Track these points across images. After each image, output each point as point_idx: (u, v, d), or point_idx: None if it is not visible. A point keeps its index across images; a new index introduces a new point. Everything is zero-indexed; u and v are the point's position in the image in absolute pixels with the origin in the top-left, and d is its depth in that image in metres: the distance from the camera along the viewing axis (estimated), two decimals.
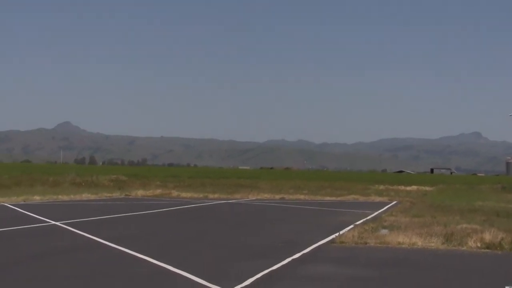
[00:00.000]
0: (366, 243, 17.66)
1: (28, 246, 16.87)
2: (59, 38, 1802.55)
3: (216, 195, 46.12)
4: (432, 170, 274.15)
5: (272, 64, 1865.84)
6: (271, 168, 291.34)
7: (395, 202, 41.66)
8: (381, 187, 66.72)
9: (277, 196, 46.03)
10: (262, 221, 27.20)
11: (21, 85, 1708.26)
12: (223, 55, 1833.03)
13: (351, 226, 22.76)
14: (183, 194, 46.68)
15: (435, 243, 17.52)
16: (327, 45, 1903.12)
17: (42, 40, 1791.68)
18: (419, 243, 17.51)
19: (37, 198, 37.17)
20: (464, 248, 16.96)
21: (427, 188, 67.49)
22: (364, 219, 26.36)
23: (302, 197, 46.33)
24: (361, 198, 46.03)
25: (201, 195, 45.71)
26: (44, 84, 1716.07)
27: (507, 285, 11.59)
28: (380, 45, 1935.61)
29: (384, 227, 21.87)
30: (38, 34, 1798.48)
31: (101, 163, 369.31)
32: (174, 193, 48.14)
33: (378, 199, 45.87)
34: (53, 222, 22.98)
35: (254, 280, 11.91)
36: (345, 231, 20.51)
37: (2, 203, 33.13)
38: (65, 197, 39.35)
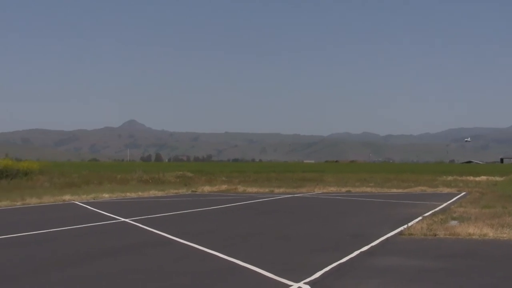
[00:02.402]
0: (435, 235, 17.44)
1: (100, 242, 17.23)
2: (124, 38, 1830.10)
3: (281, 189, 46.10)
4: (502, 160, 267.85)
5: (334, 57, 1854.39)
6: (336, 161, 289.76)
7: (464, 193, 40.89)
8: (449, 178, 65.37)
9: (343, 189, 45.73)
10: (329, 214, 27.11)
11: (88, 85, 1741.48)
12: (285, 49, 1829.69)
13: (420, 218, 22.49)
14: (249, 189, 46.78)
15: (507, 234, 17.18)
16: (387, 35, 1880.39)
17: (109, 41, 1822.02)
18: (490, 234, 17.19)
19: (106, 196, 37.80)
20: None
21: (497, 178, 65.83)
22: (432, 211, 25.98)
23: (368, 189, 45.91)
24: (429, 190, 45.32)
25: (266, 190, 45.74)
26: (109, 84, 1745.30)
27: None
28: (444, 30, 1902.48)
29: (454, 219, 21.56)
30: (104, 34, 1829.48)
31: (166, 160, 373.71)
32: (240, 188, 48.27)
33: (446, 190, 45.08)
34: (123, 219, 23.38)
35: (323, 273, 11.90)
36: (414, 223, 20.28)
37: (72, 201, 33.85)
38: (133, 194, 39.87)
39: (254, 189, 46.30)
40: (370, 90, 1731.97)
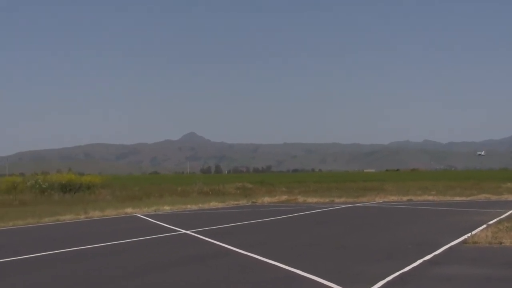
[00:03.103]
0: (501, 243, 17.10)
1: (162, 254, 17.45)
2: (182, 51, 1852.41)
3: (342, 199, 45.86)
4: None
5: (392, 62, 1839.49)
6: (397, 170, 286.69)
7: None
8: None
9: (404, 198, 45.21)
10: (390, 223, 26.85)
11: (147, 99, 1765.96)
12: (339, 56, 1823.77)
13: (484, 226, 22.10)
14: (309, 199, 46.65)
15: None
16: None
17: (167, 54, 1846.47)
18: None
19: (167, 208, 38.18)
20: None
21: None
22: (497, 218, 25.48)
23: (430, 198, 45.25)
24: (493, 197, 44.46)
25: (327, 200, 45.55)
26: (169, 97, 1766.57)
27: None
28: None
29: None
30: (163, 47, 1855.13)
31: (226, 172, 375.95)
32: (300, 198, 48.17)
33: (511, 197, 44.17)
34: (184, 231, 23.60)
35: (385, 283, 11.82)
36: (478, 231, 19.94)
37: (134, 214, 34.35)
38: (193, 206, 40.17)
39: (315, 199, 46.15)
40: (431, 97, 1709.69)
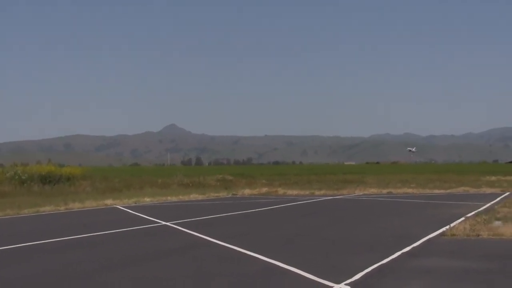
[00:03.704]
0: (478, 235, 17.25)
1: (142, 246, 17.42)
2: (162, 43, 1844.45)
3: (322, 192, 46.00)
4: None
5: (372, 56, 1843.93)
6: (377, 162, 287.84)
7: (508, 193, 40.31)
8: (493, 178, 64.42)
9: (384, 191, 45.43)
10: (370, 215, 26.95)
11: (128, 91, 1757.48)
12: (323, 49, 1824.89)
13: (462, 219, 22.28)
14: (290, 192, 46.77)
15: None
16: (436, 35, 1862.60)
17: (147, 45, 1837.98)
18: None
19: (147, 200, 38.14)
20: None
21: None
22: (475, 211, 25.71)
23: (410, 190, 45.56)
24: (472, 190, 44.79)
25: (307, 192, 45.68)
26: (149, 89, 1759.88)
27: None
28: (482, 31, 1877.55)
29: (498, 219, 21.30)
30: (143, 39, 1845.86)
31: (207, 164, 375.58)
32: (281, 190, 48.29)
33: (489, 190, 44.47)
34: (164, 223, 23.58)
35: (364, 274, 11.89)
36: (456, 224, 20.08)
37: (114, 205, 34.29)
38: (174, 198, 40.19)
39: (295, 192, 46.28)
40: (410, 90, 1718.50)
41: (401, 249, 15.04)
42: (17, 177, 54.60)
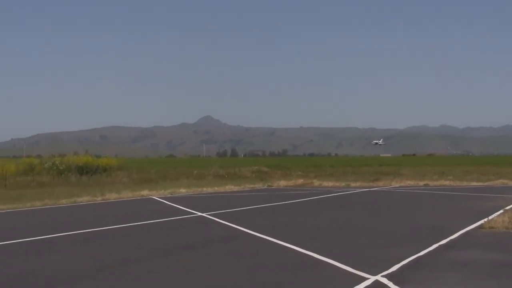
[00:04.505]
0: None
1: (178, 236, 17.58)
2: (198, 34, 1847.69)
3: (358, 183, 45.81)
4: None
5: (409, 48, 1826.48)
6: (413, 155, 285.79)
7: None
8: None
9: (421, 183, 45.08)
10: (407, 207, 26.81)
11: (164, 82, 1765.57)
12: (357, 41, 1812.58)
13: (501, 211, 22.02)
14: (325, 183, 46.69)
15: None
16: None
17: (184, 37, 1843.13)
18: None
19: (183, 191, 38.36)
20: None
21: None
22: None
23: (446, 183, 45.13)
24: (510, 183, 44.21)
25: (343, 184, 45.57)
26: (185, 80, 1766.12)
27: None
28: None
29: None
30: (181, 30, 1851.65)
31: (242, 155, 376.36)
32: (316, 182, 48.22)
33: None
34: (200, 214, 23.70)
35: (401, 266, 11.83)
36: (495, 216, 19.86)
37: (150, 196, 34.56)
38: (209, 189, 40.34)
39: (330, 183, 46.20)
40: (447, 82, 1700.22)
41: (438, 242, 14.93)
42: (55, 167, 55.42)
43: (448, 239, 15.52)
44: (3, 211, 26.61)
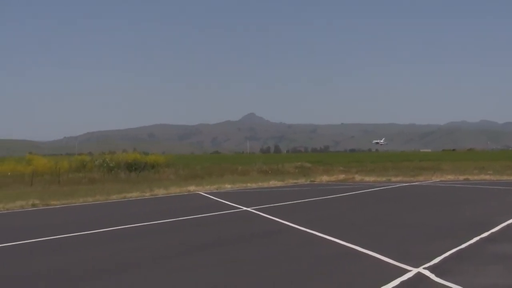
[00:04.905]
0: None
1: (225, 230, 17.68)
2: (243, 34, 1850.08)
3: (399, 178, 45.50)
4: None
5: (448, 44, 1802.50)
6: (453, 150, 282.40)
7: None
8: None
9: (461, 177, 44.55)
10: (447, 201, 26.51)
11: (209, 81, 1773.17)
12: (396, 39, 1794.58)
13: None
14: (366, 178, 46.42)
15: None
16: None
17: (226, 36, 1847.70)
18: None
19: (228, 186, 38.51)
20: None
21: None
22: None
23: (487, 177, 44.50)
24: None
25: (384, 179, 45.27)
26: (229, 79, 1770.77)
27: None
28: None
29: None
30: (224, 32, 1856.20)
31: (285, 152, 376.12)
32: (357, 177, 47.97)
33: None
34: (245, 208, 23.79)
35: (443, 259, 11.78)
36: None
37: (196, 192, 34.79)
38: (253, 185, 40.41)
39: (372, 178, 45.91)
40: (487, 77, 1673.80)
41: (479, 235, 14.79)
42: (105, 164, 56.22)
43: (489, 232, 15.36)
44: (58, 206, 27.09)
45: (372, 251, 12.78)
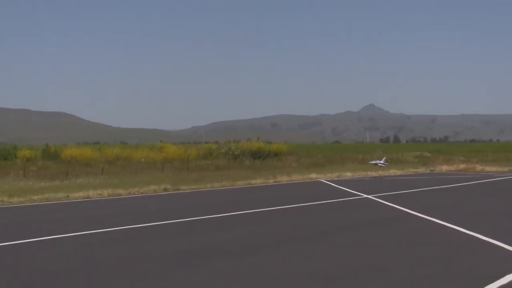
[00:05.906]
0: None
1: (347, 216, 17.76)
2: (363, 28, 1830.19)
3: None
4: None
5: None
6: None
7: None
8: None
9: None
10: None
11: (328, 72, 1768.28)
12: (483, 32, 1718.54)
13: None
14: (487, 168, 44.82)
15: None
16: None
17: (343, 32, 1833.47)
18: None
19: (348, 174, 38.37)
20: None
21: None
22: None
23: None
24: None
25: (506, 169, 43.57)
26: (349, 70, 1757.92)
27: None
28: None
29: None
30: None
31: (404, 142, 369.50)
32: (478, 167, 46.39)
33: None
34: (365, 195, 23.66)
35: None
36: None
37: (318, 179, 34.86)
38: (373, 173, 39.98)
39: (493, 169, 44.29)
40: None
41: None
42: (230, 152, 57.41)
43: None
44: (187, 191, 27.94)
45: (496, 239, 12.34)
